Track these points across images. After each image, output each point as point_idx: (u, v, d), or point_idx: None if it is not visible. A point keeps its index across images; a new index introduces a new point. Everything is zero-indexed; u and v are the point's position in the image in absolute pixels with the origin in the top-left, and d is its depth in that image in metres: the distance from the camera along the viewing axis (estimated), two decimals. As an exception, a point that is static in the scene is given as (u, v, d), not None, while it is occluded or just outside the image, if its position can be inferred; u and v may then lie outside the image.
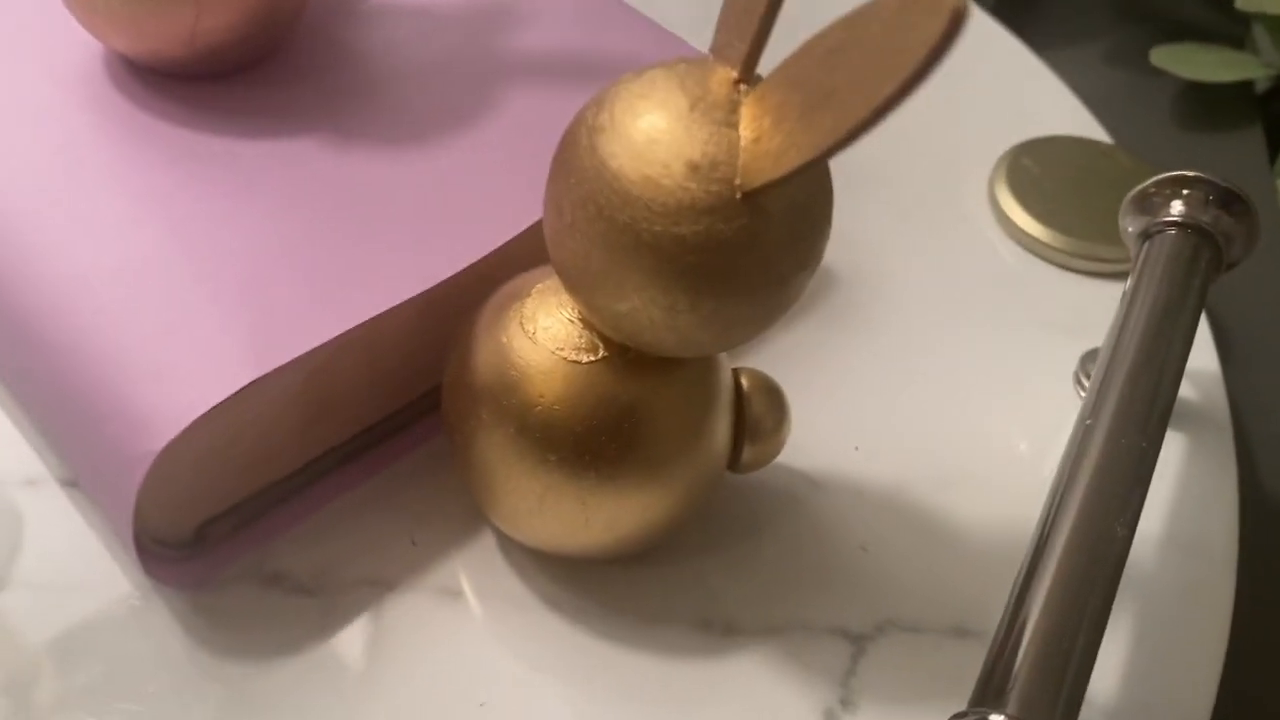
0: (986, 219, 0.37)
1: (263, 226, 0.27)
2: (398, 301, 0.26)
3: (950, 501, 0.30)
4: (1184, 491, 0.31)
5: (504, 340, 0.24)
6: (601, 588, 0.27)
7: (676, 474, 0.25)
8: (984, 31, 0.44)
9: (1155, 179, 0.29)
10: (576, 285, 0.22)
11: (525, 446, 0.24)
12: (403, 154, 0.29)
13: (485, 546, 0.28)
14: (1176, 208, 0.29)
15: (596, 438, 0.24)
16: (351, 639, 0.26)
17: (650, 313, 0.21)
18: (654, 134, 0.21)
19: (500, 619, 0.27)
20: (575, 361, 0.24)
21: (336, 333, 0.25)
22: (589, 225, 0.21)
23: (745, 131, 0.20)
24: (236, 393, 0.24)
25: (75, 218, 0.27)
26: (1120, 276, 0.35)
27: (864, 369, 0.33)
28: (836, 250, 0.35)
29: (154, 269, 0.26)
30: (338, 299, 0.26)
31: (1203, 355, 0.34)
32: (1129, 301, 0.27)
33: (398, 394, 0.29)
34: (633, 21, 0.34)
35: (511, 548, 0.28)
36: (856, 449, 0.31)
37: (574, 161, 0.22)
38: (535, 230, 0.27)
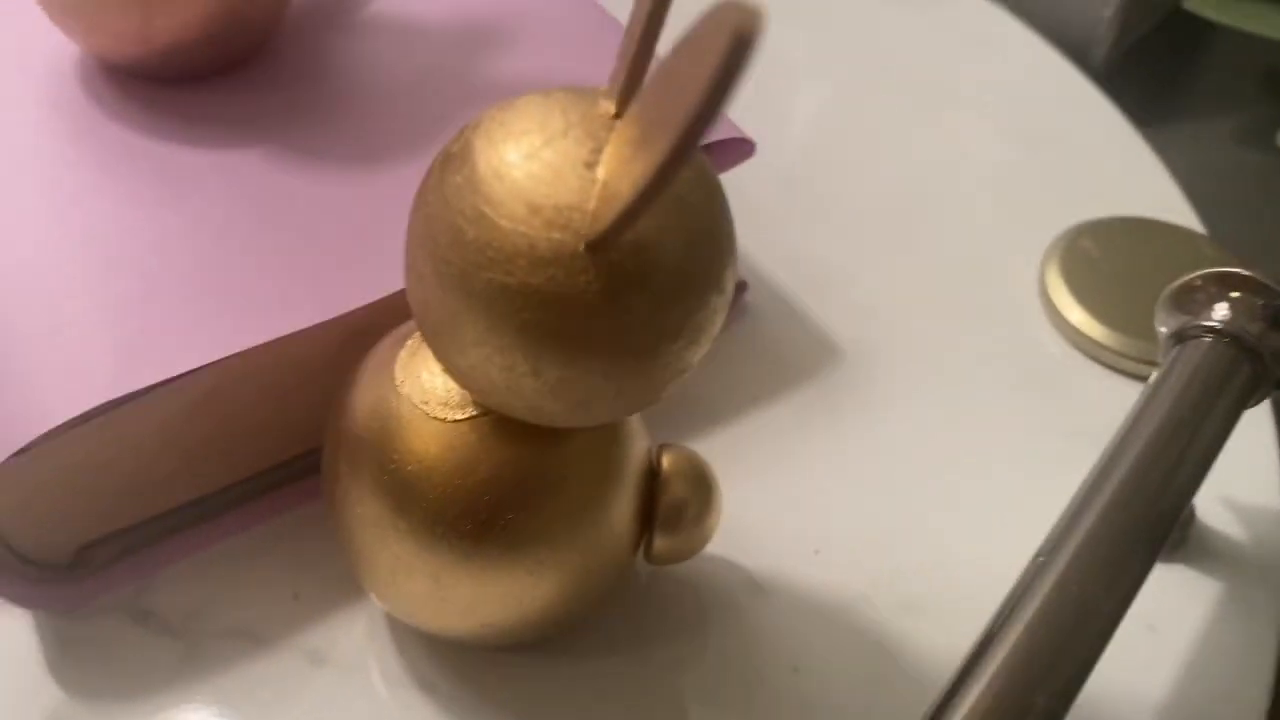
0: (1033, 304, 0.32)
1: (178, 239, 0.26)
2: (285, 332, 0.24)
3: (907, 629, 0.25)
4: (1210, 658, 0.25)
5: (375, 388, 0.22)
6: (483, 677, 0.24)
7: (552, 561, 0.21)
8: (1078, 95, 0.39)
9: (1202, 273, 0.25)
10: (423, 332, 0.20)
11: (378, 510, 0.21)
12: (347, 176, 0.27)
13: (372, 613, 0.25)
14: (1220, 311, 0.24)
15: (452, 508, 0.21)
16: (205, 691, 0.24)
17: (489, 372, 0.18)
18: (501, 168, 0.18)
19: (365, 695, 0.24)
20: (438, 419, 0.21)
21: (214, 358, 0.23)
22: (426, 266, 0.18)
23: (601, 173, 0.17)
24: (100, 408, 0.22)
25: None
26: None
27: (848, 461, 0.28)
28: (845, 318, 0.31)
29: (55, 271, 0.25)
30: (227, 323, 0.24)
31: (1265, 487, 0.28)
32: (1134, 417, 0.23)
33: (305, 436, 0.27)
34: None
35: (401, 624, 0.25)
36: (817, 553, 0.27)
37: (424, 193, 0.19)
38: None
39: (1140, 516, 0.20)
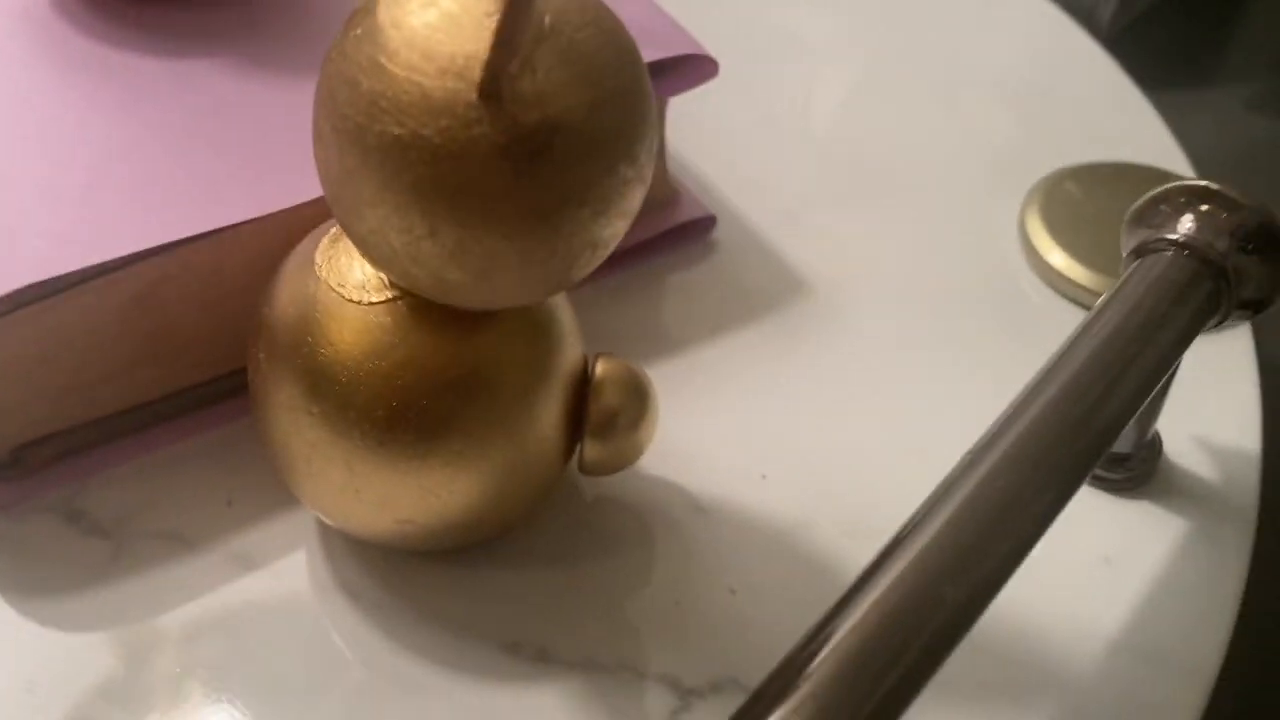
0: (1012, 244, 0.31)
1: (128, 142, 0.25)
2: (219, 225, 0.23)
3: (848, 552, 0.24)
4: (1171, 595, 0.24)
5: (296, 276, 0.21)
6: (410, 584, 0.24)
7: (471, 454, 0.21)
8: (1076, 49, 0.38)
9: (1170, 185, 0.24)
10: (328, 201, 0.19)
11: (292, 394, 0.21)
12: (296, 84, 0.27)
13: (304, 522, 0.25)
14: (1184, 225, 0.23)
15: (364, 391, 0.20)
16: (131, 589, 0.23)
17: (388, 237, 0.18)
18: (400, 17, 0.17)
19: (291, 599, 0.23)
20: (354, 301, 0.20)
21: (147, 245, 0.23)
22: (325, 124, 0.18)
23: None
24: (32, 290, 0.22)
25: None
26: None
27: (805, 391, 0.28)
28: (818, 255, 0.31)
29: (-2, 162, 0.25)
30: (165, 216, 0.24)
31: (1242, 428, 0.27)
32: (1084, 327, 0.21)
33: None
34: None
35: (332, 529, 0.24)
36: (764, 477, 0.26)
37: (328, 53, 0.18)
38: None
39: (1078, 422, 0.19)
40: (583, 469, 0.23)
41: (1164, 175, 0.32)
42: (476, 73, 0.17)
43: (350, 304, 0.20)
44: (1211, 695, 0.23)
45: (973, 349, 0.29)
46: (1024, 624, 0.23)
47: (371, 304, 0.20)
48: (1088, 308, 0.29)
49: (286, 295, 0.21)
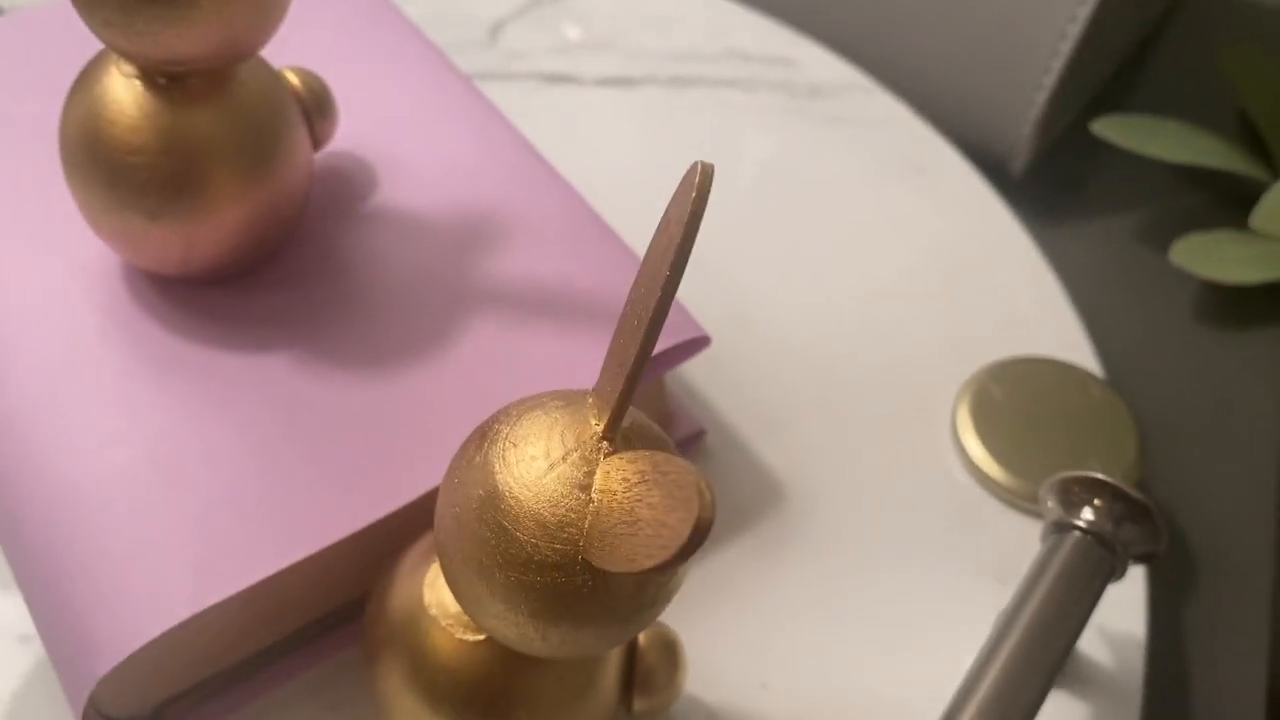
0: (947, 444, 0.38)
1: (224, 450, 0.30)
2: (344, 535, 0.29)
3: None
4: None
5: (407, 598, 0.27)
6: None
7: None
8: (999, 229, 0.45)
9: (1077, 476, 0.30)
10: (449, 586, 0.25)
11: (413, 703, 0.27)
12: (364, 379, 0.32)
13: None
14: (1086, 514, 0.30)
15: (474, 710, 0.26)
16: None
17: (503, 630, 0.24)
18: (515, 490, 0.23)
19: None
20: (459, 639, 0.26)
21: (279, 567, 0.28)
22: (455, 554, 0.24)
23: (596, 495, 0.22)
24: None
25: (68, 425, 0.30)
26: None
27: (790, 600, 0.34)
28: (789, 459, 0.37)
29: (127, 486, 0.30)
30: (285, 531, 0.29)
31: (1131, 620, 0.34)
32: (1020, 600, 0.29)
33: (345, 592, 0.32)
34: (609, 246, 0.36)
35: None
36: (764, 686, 0.32)
37: (451, 497, 0.24)
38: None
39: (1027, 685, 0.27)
40: (631, 717, 0.29)
41: (1070, 370, 0.39)
42: (577, 537, 0.22)
43: (457, 639, 0.26)
44: None
45: (925, 548, 0.35)
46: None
47: (476, 641, 0.26)
48: (1006, 503, 0.36)
49: (401, 617, 0.27)
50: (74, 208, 0.33)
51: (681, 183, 0.21)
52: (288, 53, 0.34)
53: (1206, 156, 0.47)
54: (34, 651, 0.32)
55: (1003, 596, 0.33)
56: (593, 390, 0.24)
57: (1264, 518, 0.39)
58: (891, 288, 0.42)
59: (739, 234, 0.43)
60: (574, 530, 0.22)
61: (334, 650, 0.32)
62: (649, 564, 0.19)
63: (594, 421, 0.23)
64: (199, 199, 0.30)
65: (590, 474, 0.23)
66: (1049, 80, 0.46)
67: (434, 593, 0.27)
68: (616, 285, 0.34)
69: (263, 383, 0.32)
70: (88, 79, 0.31)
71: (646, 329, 0.22)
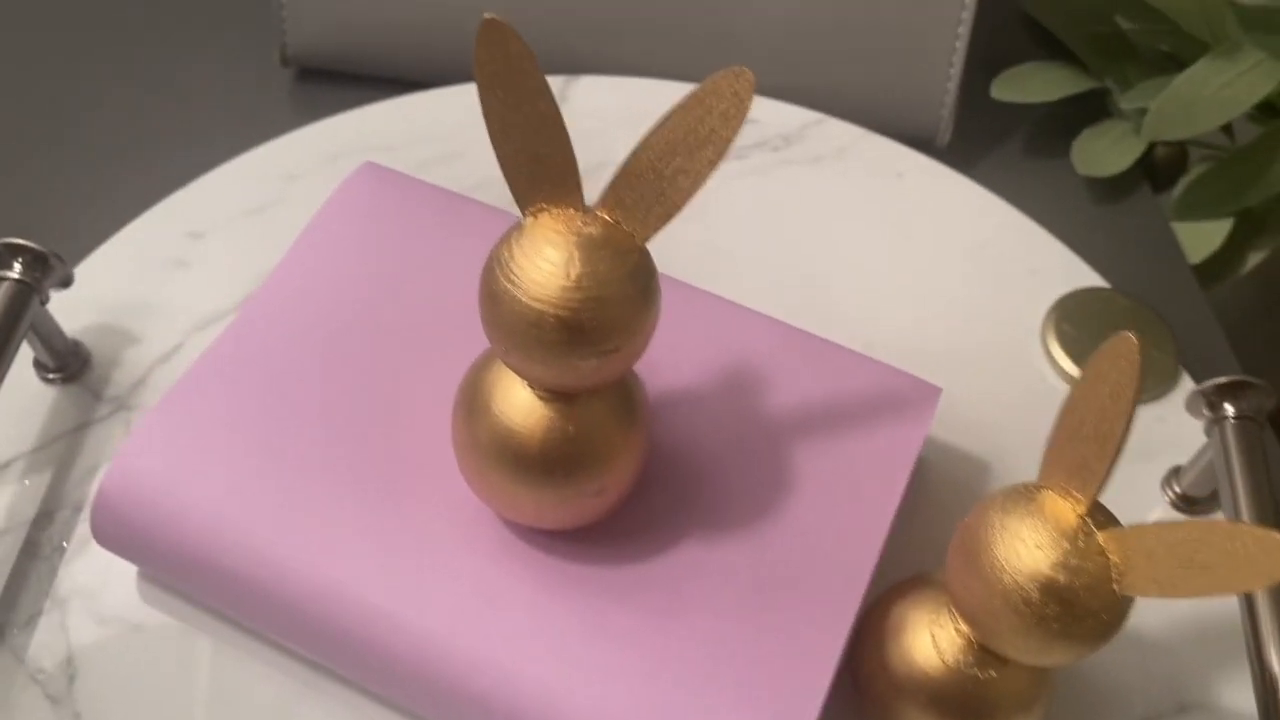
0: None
1: (654, 651, 0.35)
2: (827, 682, 0.35)
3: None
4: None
5: (916, 640, 0.37)
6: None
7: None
8: (969, 194, 0.57)
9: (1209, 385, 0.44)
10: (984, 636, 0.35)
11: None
12: (735, 549, 0.37)
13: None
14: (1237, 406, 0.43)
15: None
16: None
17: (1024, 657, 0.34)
18: (1037, 575, 0.33)
19: None
20: (972, 675, 0.37)
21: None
22: (992, 621, 0.34)
23: (1112, 558, 0.32)
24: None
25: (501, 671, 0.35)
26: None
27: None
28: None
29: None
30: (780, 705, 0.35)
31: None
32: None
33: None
34: (848, 360, 0.42)
35: None
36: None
37: (983, 573, 0.34)
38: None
39: None
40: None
41: (1104, 294, 0.52)
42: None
43: (966, 676, 0.36)
44: None
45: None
46: None
47: (991, 679, 0.36)
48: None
49: (914, 660, 0.37)
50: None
51: (1103, 353, 0.32)
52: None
53: (1071, 85, 0.60)
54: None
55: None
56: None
57: None
58: (938, 269, 0.53)
59: (832, 264, 0.53)
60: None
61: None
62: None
63: (1065, 505, 0.33)
64: (595, 482, 0.35)
65: (1091, 545, 0.33)
66: (957, 60, 0.57)
67: (946, 633, 0.36)
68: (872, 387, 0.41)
69: (648, 585, 0.36)
70: (486, 385, 0.35)
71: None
